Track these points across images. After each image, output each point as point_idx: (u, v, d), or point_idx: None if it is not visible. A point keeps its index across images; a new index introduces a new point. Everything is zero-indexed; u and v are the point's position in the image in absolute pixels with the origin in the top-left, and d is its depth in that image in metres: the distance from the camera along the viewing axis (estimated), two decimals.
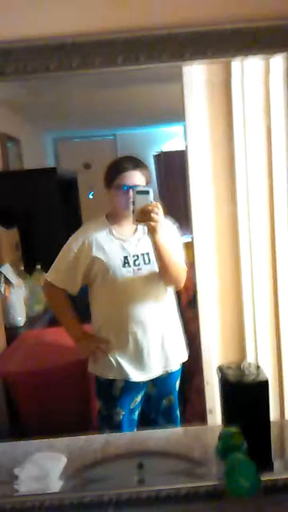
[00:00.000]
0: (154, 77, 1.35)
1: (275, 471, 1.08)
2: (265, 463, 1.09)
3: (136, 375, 1.71)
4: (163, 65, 1.09)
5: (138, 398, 1.76)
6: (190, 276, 1.77)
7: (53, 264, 1.75)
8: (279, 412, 1.56)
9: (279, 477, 1.04)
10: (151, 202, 1.60)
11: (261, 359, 1.64)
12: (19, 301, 2.23)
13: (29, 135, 2.77)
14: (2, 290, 2.17)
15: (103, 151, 2.68)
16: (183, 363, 1.82)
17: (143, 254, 1.71)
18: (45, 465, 1.20)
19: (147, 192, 1.60)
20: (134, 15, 1.10)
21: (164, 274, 1.70)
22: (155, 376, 1.73)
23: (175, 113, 1.67)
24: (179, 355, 1.78)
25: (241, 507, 1.00)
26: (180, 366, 1.79)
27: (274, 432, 1.14)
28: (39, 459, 1.22)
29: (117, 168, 1.70)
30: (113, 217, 1.74)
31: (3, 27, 1.12)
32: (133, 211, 1.62)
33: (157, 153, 2.94)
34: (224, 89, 1.51)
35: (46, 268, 1.83)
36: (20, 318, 2.22)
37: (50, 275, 1.76)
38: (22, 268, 2.37)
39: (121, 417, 1.72)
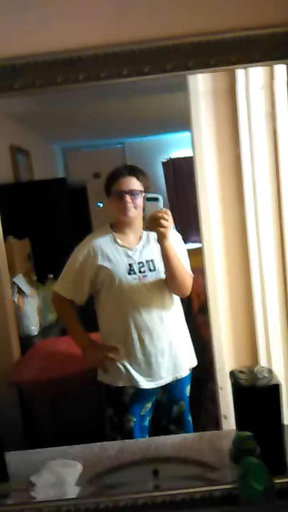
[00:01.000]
0: (159, 86, 1.37)
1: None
2: (279, 467, 1.09)
3: (145, 383, 1.71)
4: (167, 75, 1.11)
5: (149, 405, 1.77)
6: (201, 282, 1.79)
7: (60, 275, 1.78)
8: None
9: None
10: (161, 208, 1.61)
11: (274, 363, 1.65)
12: (33, 311, 2.25)
13: (38, 146, 2.80)
14: (16, 300, 2.19)
15: (111, 160, 2.70)
16: (196, 369, 1.83)
17: (148, 261, 1.72)
18: (61, 472, 1.22)
19: (156, 199, 1.62)
20: (137, 27, 1.13)
21: (171, 281, 1.71)
22: (164, 383, 1.74)
23: (181, 121, 1.69)
24: (187, 361, 1.79)
25: (255, 511, 1.00)
26: (189, 372, 1.79)
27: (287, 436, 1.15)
28: (55, 467, 1.24)
29: (113, 176, 1.73)
30: (116, 226, 1.76)
31: (11, 43, 1.15)
32: (144, 218, 1.64)
33: (165, 160, 2.96)
34: (229, 96, 1.53)
35: (58, 278, 1.85)
36: (33, 328, 2.24)
37: (57, 286, 1.78)
38: (35, 278, 2.39)
39: (132, 424, 1.73)
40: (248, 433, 1.04)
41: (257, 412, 1.14)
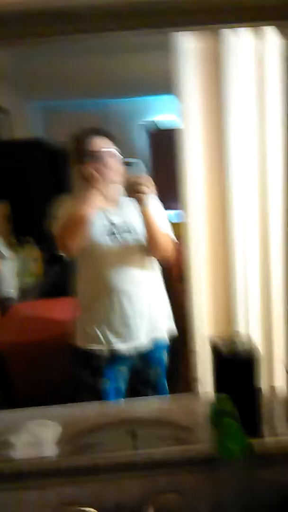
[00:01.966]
0: (143, 44, 1.33)
1: (265, 436, 1.11)
2: (255, 429, 1.12)
3: (121, 345, 1.73)
4: (153, 31, 1.07)
5: (124, 369, 1.79)
6: (181, 250, 1.79)
7: (53, 227, 1.71)
8: (269, 381, 1.60)
9: (269, 442, 1.08)
10: (140, 174, 1.60)
11: (252, 330, 1.67)
12: (11, 274, 2.24)
13: (19, 106, 2.72)
14: None
15: (93, 123, 2.64)
16: (172, 336, 1.85)
17: (127, 224, 1.72)
18: (39, 432, 1.23)
19: (136, 164, 1.60)
20: None
21: (152, 245, 1.71)
22: (141, 346, 1.75)
23: (164, 83, 1.65)
24: (165, 325, 1.81)
25: (232, 471, 1.03)
26: (166, 338, 1.82)
27: (264, 400, 1.18)
28: (33, 427, 1.25)
29: (82, 137, 1.69)
30: (90, 189, 1.68)
31: None
32: (123, 183, 1.62)
33: (147, 124, 2.91)
34: (215, 58, 1.49)
35: (37, 241, 1.83)
36: (11, 290, 2.23)
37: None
38: (13, 240, 2.36)
39: (107, 387, 1.75)
40: (226, 396, 1.06)
41: (235, 377, 1.16)
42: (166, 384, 1.86)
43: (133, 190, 1.59)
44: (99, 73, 2.26)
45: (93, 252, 1.70)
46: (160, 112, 2.94)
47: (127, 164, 1.61)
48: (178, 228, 1.79)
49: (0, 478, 1.08)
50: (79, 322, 1.77)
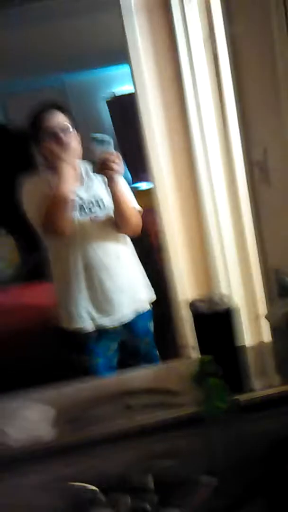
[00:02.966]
0: (89, 7, 1.28)
1: (250, 391, 1.13)
2: (238, 385, 1.13)
3: (106, 321, 1.73)
4: None
5: (114, 345, 1.80)
6: (157, 221, 1.78)
7: (29, 212, 1.70)
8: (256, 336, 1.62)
9: (253, 397, 1.09)
10: (110, 151, 1.57)
11: (233, 292, 1.68)
12: None
13: None
14: None
15: (53, 100, 2.59)
16: (158, 305, 1.86)
17: (97, 200, 1.70)
18: (31, 416, 1.23)
19: (105, 142, 1.57)
20: None
21: (122, 221, 1.70)
22: (125, 318, 1.76)
23: (119, 52, 1.61)
24: (145, 296, 1.81)
25: (221, 427, 1.05)
26: (149, 307, 1.82)
27: (251, 354, 1.19)
28: (24, 410, 1.25)
29: (37, 117, 1.66)
30: (52, 167, 1.68)
31: None
32: (92, 161, 1.59)
33: (110, 98, 2.86)
34: (164, 13, 1.46)
35: (11, 229, 1.80)
36: None
37: (37, 218, 1.68)
38: None
39: (97, 365, 1.76)
40: (209, 357, 1.07)
41: (216, 337, 1.17)
42: (157, 353, 1.88)
43: (103, 167, 1.57)
44: (51, 44, 2.18)
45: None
46: (121, 83, 2.89)
47: (96, 140, 1.58)
48: (148, 197, 1.78)
49: None
50: (60, 304, 1.76)
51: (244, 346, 1.17)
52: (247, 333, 1.50)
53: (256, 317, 1.55)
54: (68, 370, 1.77)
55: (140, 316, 1.79)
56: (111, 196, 1.66)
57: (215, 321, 1.19)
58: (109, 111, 2.96)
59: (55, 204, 1.61)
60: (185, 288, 1.76)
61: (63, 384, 1.37)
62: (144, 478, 1.04)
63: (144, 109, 1.62)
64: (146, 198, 1.81)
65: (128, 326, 1.78)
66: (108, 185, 1.63)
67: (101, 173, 1.61)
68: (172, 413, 1.10)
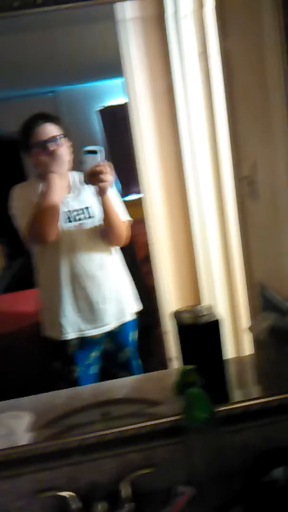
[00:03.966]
0: (84, 18, 1.29)
1: (231, 402, 1.13)
2: (222, 396, 1.13)
3: (90, 330, 1.72)
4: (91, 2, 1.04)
5: (95, 354, 1.78)
6: (144, 232, 1.79)
7: (16, 218, 1.69)
8: (238, 349, 1.62)
9: (234, 408, 1.09)
10: (101, 162, 1.57)
11: (217, 304, 1.69)
12: None
13: None
14: None
15: (44, 110, 2.60)
16: (143, 316, 1.85)
17: (84, 209, 1.70)
18: (9, 424, 1.21)
19: (96, 152, 1.57)
20: None
21: (109, 233, 1.70)
22: (109, 329, 1.75)
23: (113, 66, 1.63)
24: (131, 306, 1.81)
25: (202, 438, 1.04)
26: (134, 318, 1.82)
27: (233, 367, 1.19)
28: (5, 418, 1.23)
29: (28, 127, 1.65)
30: (42, 176, 1.67)
31: None
32: (83, 171, 1.59)
33: (102, 109, 2.87)
34: (159, 26, 1.48)
35: None
36: None
37: (23, 225, 1.67)
38: None
39: (79, 374, 1.74)
40: (190, 367, 1.07)
41: (200, 347, 1.17)
42: (140, 364, 1.87)
43: (94, 178, 1.57)
44: (44, 56, 2.19)
45: (54, 239, 1.67)
46: (114, 94, 2.90)
47: (88, 151, 1.58)
48: (137, 208, 1.79)
49: None
50: (45, 313, 1.75)
51: (227, 358, 1.17)
52: (231, 345, 1.50)
53: (240, 330, 1.56)
54: (51, 379, 1.76)
55: (124, 326, 1.78)
56: (100, 206, 1.66)
57: (199, 332, 1.19)
58: (101, 121, 2.97)
59: (41, 214, 1.61)
60: (171, 299, 1.77)
61: (45, 393, 1.36)
62: (121, 486, 1.03)
63: (135, 121, 1.64)
64: (135, 209, 1.82)
65: (112, 336, 1.77)
66: (99, 195, 1.64)
67: (92, 184, 1.61)
68: (150, 422, 1.09)
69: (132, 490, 1.02)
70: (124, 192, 2.33)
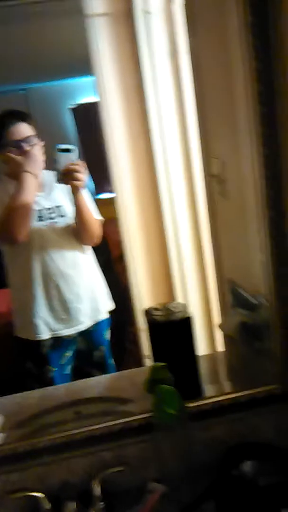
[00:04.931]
0: (54, 14, 1.28)
1: (201, 398, 1.14)
2: (193, 393, 1.14)
3: (64, 330, 1.72)
4: None
5: (68, 354, 1.78)
6: (117, 230, 1.79)
7: None
8: (210, 346, 1.64)
9: (204, 404, 1.10)
10: (75, 160, 1.56)
11: (190, 302, 1.70)
12: None
13: None
14: None
15: (14, 108, 2.57)
16: (116, 314, 1.85)
17: (55, 208, 1.70)
18: None
19: (69, 150, 1.56)
20: None
21: (82, 232, 1.70)
22: (84, 328, 1.75)
23: (84, 64, 1.62)
24: (105, 305, 1.81)
25: (171, 436, 1.05)
26: (107, 316, 1.82)
27: (202, 364, 1.20)
28: None
29: (1, 125, 1.63)
30: (14, 176, 1.65)
31: None
32: (56, 170, 1.58)
33: (74, 107, 2.85)
34: (128, 22, 1.48)
35: None
36: None
37: None
38: None
39: (52, 374, 1.73)
40: (161, 364, 1.07)
41: (172, 344, 1.17)
42: (113, 363, 1.87)
43: (67, 177, 1.56)
44: (15, 52, 2.16)
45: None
46: (86, 92, 2.89)
47: (60, 149, 1.57)
48: (109, 207, 1.78)
49: None
50: (18, 313, 1.74)
51: (198, 355, 1.18)
52: (202, 341, 1.52)
53: (211, 326, 1.58)
54: (24, 379, 1.74)
55: (97, 325, 1.78)
56: (73, 205, 1.66)
57: (170, 329, 1.19)
58: (74, 119, 2.95)
59: (13, 214, 1.60)
60: (144, 297, 1.77)
61: (17, 393, 1.35)
62: (91, 485, 1.03)
63: (107, 119, 1.64)
64: (108, 208, 1.82)
65: (85, 335, 1.77)
66: (72, 194, 1.63)
67: (66, 183, 1.60)
68: (121, 420, 1.09)
69: (103, 489, 1.02)
70: (97, 191, 2.33)
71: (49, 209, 1.69)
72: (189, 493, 1.03)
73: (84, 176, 1.58)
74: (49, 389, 1.55)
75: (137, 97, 1.61)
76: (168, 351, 1.17)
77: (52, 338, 1.71)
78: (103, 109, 1.64)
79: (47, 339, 1.71)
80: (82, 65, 1.67)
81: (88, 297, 1.75)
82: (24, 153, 1.61)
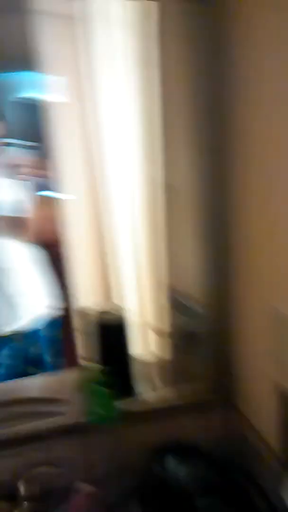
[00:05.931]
0: None
1: (134, 400, 1.16)
2: (126, 394, 1.16)
3: (3, 327, 1.69)
4: None
5: (5, 351, 1.75)
6: (58, 229, 1.78)
7: None
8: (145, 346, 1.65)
9: (137, 405, 1.12)
10: (20, 155, 1.55)
11: (127, 303, 1.72)
12: None
13: None
14: None
15: None
16: (54, 313, 1.84)
17: (1, 203, 1.67)
18: None
19: (18, 146, 1.55)
20: None
21: (23, 227, 1.68)
22: (22, 325, 1.73)
23: (27, 56, 1.59)
24: (44, 302, 1.80)
25: (103, 435, 1.06)
26: (47, 314, 1.81)
27: (138, 366, 1.22)
28: None
29: None
30: None
31: None
32: (4, 165, 1.56)
33: (16, 100, 2.80)
34: (71, 21, 1.47)
35: None
36: None
37: None
38: None
39: None
40: (95, 365, 1.09)
41: (107, 346, 1.19)
42: (50, 360, 1.86)
43: (14, 172, 1.54)
44: None
45: None
46: (32, 89, 2.84)
47: (9, 144, 1.55)
48: (55, 205, 1.77)
49: None
50: None
51: (133, 357, 1.20)
52: (137, 344, 1.53)
53: (148, 330, 1.59)
54: None
55: (38, 324, 1.77)
56: (16, 199, 1.64)
57: (106, 330, 1.21)
58: (16, 113, 2.90)
59: None
60: (84, 298, 1.77)
61: None
62: (16, 485, 1.02)
63: (52, 115, 1.62)
64: (49, 205, 1.81)
65: (24, 333, 1.75)
66: (17, 190, 1.61)
67: (13, 178, 1.58)
68: (51, 421, 1.10)
69: (31, 489, 1.02)
70: (40, 188, 2.31)
71: None
72: (116, 493, 1.04)
73: (26, 171, 1.56)
74: None
75: (80, 96, 1.60)
76: (102, 352, 1.19)
77: None
78: (51, 104, 1.62)
79: None
80: (24, 60, 1.64)
81: (29, 295, 1.73)
82: None
